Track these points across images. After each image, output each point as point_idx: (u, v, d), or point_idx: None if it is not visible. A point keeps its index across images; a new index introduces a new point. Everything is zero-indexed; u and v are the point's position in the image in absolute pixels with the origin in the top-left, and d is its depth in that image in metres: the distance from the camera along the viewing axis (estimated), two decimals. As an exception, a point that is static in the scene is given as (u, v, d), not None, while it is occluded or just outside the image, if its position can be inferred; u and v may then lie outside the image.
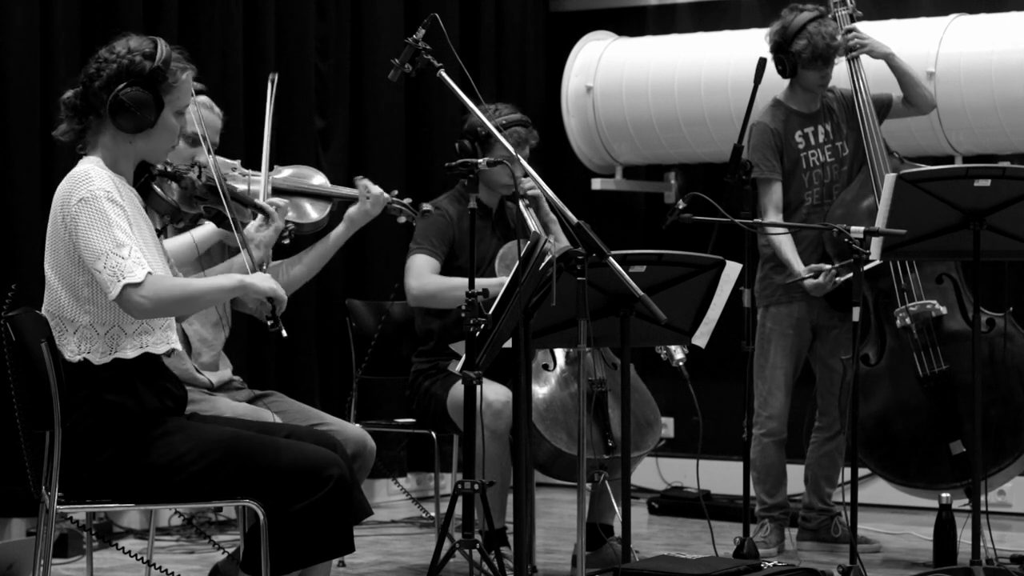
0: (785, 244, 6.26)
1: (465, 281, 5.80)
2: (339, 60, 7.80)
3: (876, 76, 6.47)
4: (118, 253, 4.07)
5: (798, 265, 6.23)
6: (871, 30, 7.39)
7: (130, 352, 4.19)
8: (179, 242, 4.93)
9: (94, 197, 4.11)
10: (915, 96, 6.47)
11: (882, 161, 6.30)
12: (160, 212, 4.44)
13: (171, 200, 4.44)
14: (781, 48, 6.36)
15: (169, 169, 4.48)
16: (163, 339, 4.26)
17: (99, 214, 4.09)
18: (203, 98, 5.00)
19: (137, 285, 4.05)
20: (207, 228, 4.95)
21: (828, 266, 6.16)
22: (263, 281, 4.25)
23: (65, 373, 4.16)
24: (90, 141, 4.26)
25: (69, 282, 4.17)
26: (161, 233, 4.53)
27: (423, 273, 5.96)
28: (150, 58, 4.20)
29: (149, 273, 4.08)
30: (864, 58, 6.43)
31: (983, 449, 5.58)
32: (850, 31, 6.43)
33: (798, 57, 6.33)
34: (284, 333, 4.31)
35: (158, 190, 4.41)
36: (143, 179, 4.40)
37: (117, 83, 4.18)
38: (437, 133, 7.97)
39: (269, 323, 4.26)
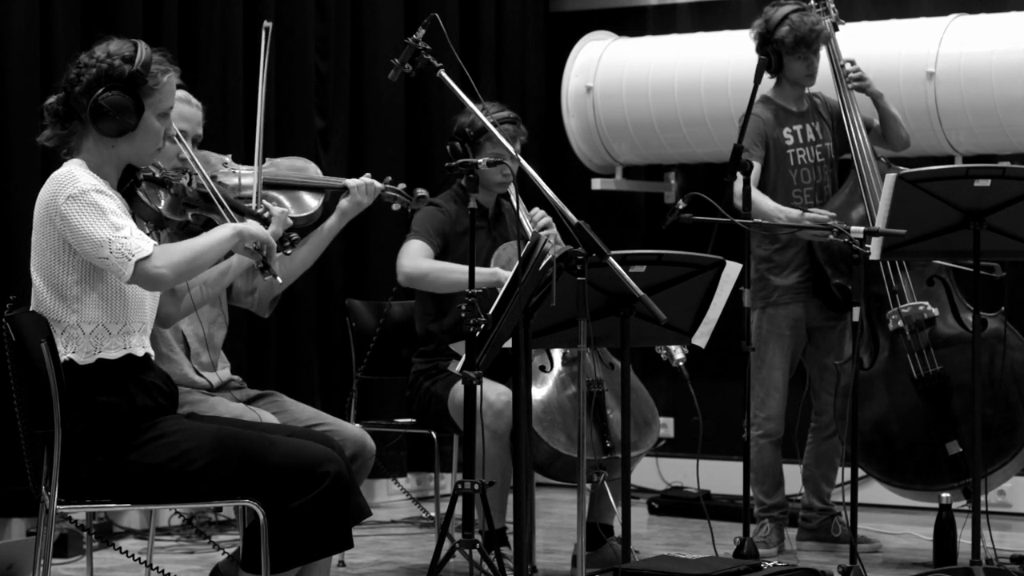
0: (768, 202, 6.24)
1: (455, 266, 5.88)
2: (339, 60, 7.80)
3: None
4: (120, 235, 4.09)
5: (793, 212, 6.22)
6: (871, 30, 7.42)
7: (114, 352, 4.19)
8: None
9: (82, 192, 4.12)
10: (894, 136, 6.50)
11: (870, 166, 6.31)
12: (145, 219, 4.40)
13: (155, 207, 4.40)
14: (765, 40, 6.40)
15: (157, 175, 4.42)
16: (140, 343, 4.27)
17: (91, 206, 4.11)
18: (180, 92, 4.89)
19: (148, 258, 4.09)
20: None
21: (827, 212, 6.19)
22: (256, 228, 4.33)
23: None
24: (74, 146, 4.27)
25: (56, 282, 4.18)
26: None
27: (416, 255, 5.99)
28: (129, 61, 4.20)
29: (155, 244, 4.11)
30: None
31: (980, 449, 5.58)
32: (850, 62, 6.45)
33: (782, 44, 6.36)
34: (280, 280, 4.42)
35: (143, 196, 4.37)
36: (128, 184, 4.35)
37: (97, 88, 4.18)
38: (437, 133, 7.97)
39: (262, 270, 4.32)
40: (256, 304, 5.18)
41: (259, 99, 4.98)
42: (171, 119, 4.37)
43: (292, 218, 4.86)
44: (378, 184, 5.18)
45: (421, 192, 5.31)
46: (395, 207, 5.28)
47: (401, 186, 5.27)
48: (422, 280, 6.00)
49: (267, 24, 4.98)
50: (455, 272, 5.88)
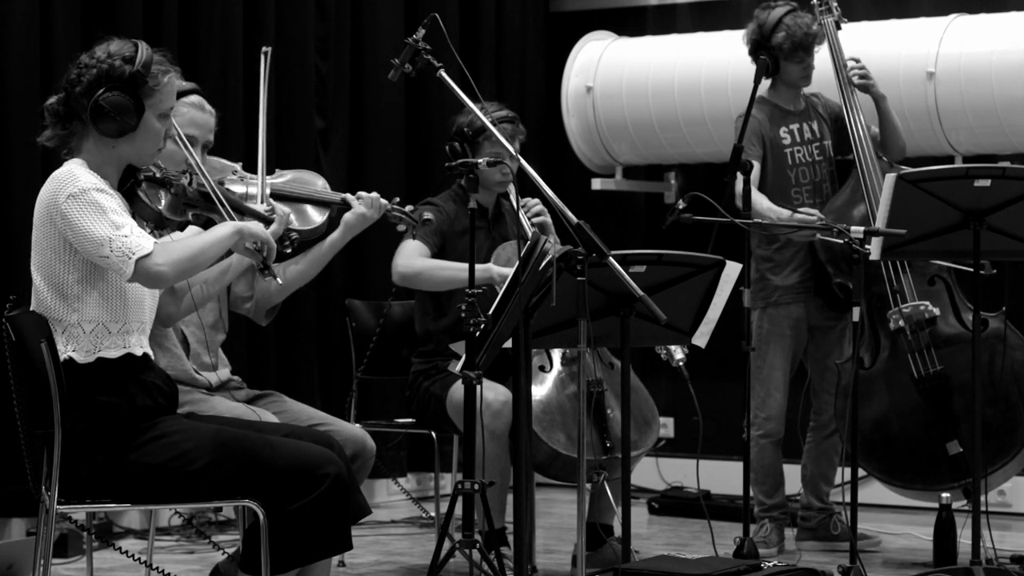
0: (762, 202, 6.24)
1: (448, 264, 5.89)
2: (339, 60, 7.80)
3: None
4: (120, 234, 4.09)
5: (783, 211, 6.22)
6: (871, 30, 7.41)
7: (113, 352, 4.20)
8: None
9: (83, 191, 4.12)
10: (891, 144, 6.49)
11: (872, 165, 6.31)
12: (145, 219, 4.40)
13: (156, 207, 4.39)
14: (760, 46, 6.41)
15: (158, 175, 4.42)
16: (139, 342, 4.28)
17: (91, 205, 4.11)
18: (194, 97, 4.92)
19: (149, 255, 4.09)
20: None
21: (816, 212, 6.20)
22: (257, 227, 4.32)
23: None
24: (75, 146, 4.27)
25: (56, 281, 4.18)
26: None
27: (411, 254, 6.00)
28: (130, 62, 4.20)
29: (155, 242, 4.12)
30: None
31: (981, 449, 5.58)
32: (854, 60, 6.44)
33: (779, 51, 6.38)
34: (280, 281, 4.44)
35: (143, 196, 4.37)
36: (128, 184, 4.34)
37: (97, 88, 4.18)
38: (437, 133, 7.97)
39: (262, 270, 4.33)
40: (253, 311, 5.18)
41: (260, 117, 4.99)
42: (172, 120, 4.37)
43: (297, 231, 4.86)
44: (384, 202, 5.18)
45: (428, 215, 5.32)
46: (400, 228, 5.30)
47: (408, 208, 5.28)
48: (415, 278, 6.00)
49: (265, 49, 5.01)
50: (448, 270, 5.90)
